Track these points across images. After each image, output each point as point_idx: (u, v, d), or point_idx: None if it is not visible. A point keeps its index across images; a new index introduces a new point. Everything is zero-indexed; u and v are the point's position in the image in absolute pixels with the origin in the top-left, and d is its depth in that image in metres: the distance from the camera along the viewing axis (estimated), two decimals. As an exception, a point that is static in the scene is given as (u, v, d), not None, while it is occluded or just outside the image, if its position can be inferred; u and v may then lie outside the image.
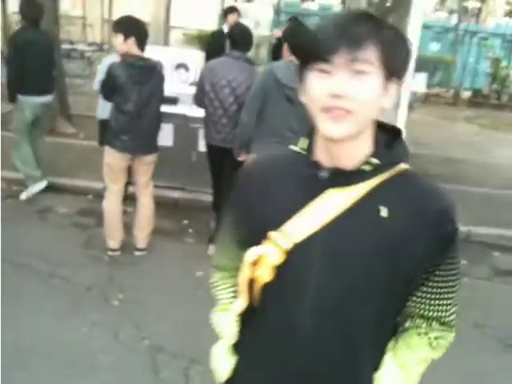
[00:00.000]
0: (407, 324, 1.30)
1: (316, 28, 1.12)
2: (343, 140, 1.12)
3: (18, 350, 3.11)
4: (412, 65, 11.65)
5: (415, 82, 14.77)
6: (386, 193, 1.16)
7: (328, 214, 1.15)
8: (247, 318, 1.31)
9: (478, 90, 15.40)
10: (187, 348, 3.24)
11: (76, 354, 3.13)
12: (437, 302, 1.24)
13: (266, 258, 1.18)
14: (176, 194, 5.70)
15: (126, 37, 3.88)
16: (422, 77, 14.15)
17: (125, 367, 3.08)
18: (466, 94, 15.35)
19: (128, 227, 4.43)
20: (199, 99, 4.41)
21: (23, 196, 5.36)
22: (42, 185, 5.47)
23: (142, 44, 3.92)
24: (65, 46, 11.65)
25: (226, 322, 1.37)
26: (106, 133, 4.18)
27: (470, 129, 11.48)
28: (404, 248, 1.15)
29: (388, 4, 7.43)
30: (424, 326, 1.28)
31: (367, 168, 1.17)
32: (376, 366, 1.25)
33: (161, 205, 5.43)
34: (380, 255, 1.14)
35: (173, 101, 5.72)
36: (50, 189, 5.58)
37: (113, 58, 4.49)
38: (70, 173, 5.89)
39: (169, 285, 3.99)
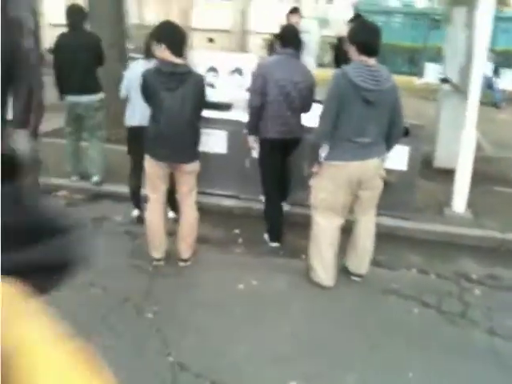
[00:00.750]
0: None
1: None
2: None
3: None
4: (490, 60, 10.80)
5: (503, 79, 13.82)
6: None
7: None
8: None
9: None
10: (211, 369, 3.08)
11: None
12: None
13: None
14: (230, 202, 5.59)
15: (159, 43, 3.82)
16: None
17: (145, 384, 2.98)
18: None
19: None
20: (256, 99, 4.45)
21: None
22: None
23: (176, 50, 3.83)
24: (134, 55, 11.89)
25: None
26: (145, 140, 4.14)
27: None
28: None
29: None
30: None
31: None
32: None
33: (214, 213, 5.39)
34: None
35: (227, 107, 5.64)
36: (110, 197, 5.67)
37: (140, 65, 4.46)
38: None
39: (207, 298, 3.87)
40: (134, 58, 10.63)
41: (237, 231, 5.07)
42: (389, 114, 3.82)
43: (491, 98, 12.83)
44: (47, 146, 7.29)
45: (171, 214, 4.90)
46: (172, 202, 4.62)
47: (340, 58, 5.99)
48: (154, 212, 4.21)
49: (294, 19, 7.15)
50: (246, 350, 3.29)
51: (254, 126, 4.57)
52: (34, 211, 0.96)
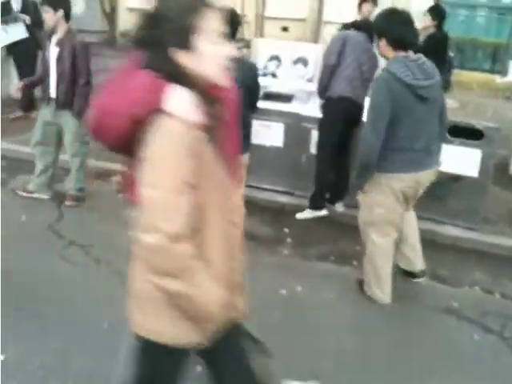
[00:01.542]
0: None
1: None
2: None
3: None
4: None
5: None
6: None
7: None
8: None
9: None
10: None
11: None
12: None
13: None
14: (283, 199, 5.31)
15: None
16: None
17: None
18: None
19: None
20: (332, 58, 4.64)
21: None
22: None
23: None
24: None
25: None
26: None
27: None
28: None
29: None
30: None
31: None
32: None
33: (265, 209, 5.15)
34: None
35: (287, 98, 5.35)
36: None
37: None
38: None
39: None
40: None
41: (286, 230, 4.80)
42: (440, 111, 3.44)
43: None
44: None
45: None
46: None
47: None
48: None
49: (366, 8, 6.71)
50: (283, 362, 3.03)
51: (325, 85, 4.70)
52: None
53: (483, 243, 4.66)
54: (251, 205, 5.15)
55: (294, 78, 5.44)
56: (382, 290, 3.68)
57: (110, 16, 16.69)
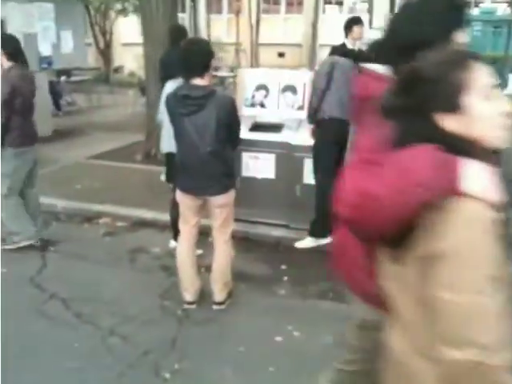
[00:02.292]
0: None
1: None
2: None
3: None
4: None
5: None
6: None
7: None
8: None
9: None
10: None
11: None
12: None
13: None
14: (278, 233, 5.05)
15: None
16: None
17: None
18: None
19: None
20: (322, 81, 4.56)
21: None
22: None
23: (189, 71, 3.37)
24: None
25: None
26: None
27: None
28: None
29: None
30: None
31: None
32: None
33: (260, 245, 4.90)
34: None
35: (277, 128, 5.13)
36: (153, 225, 5.30)
37: (169, 85, 4.04)
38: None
39: (236, 353, 3.34)
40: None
41: (283, 267, 4.52)
42: None
43: None
44: (94, 168, 7.13)
45: (198, 251, 4.41)
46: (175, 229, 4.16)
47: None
48: (183, 247, 3.77)
49: (357, 30, 6.53)
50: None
51: (315, 108, 4.61)
52: None
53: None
54: (245, 241, 4.95)
55: (283, 106, 5.22)
56: None
57: (105, 52, 16.74)
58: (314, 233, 4.79)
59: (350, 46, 6.54)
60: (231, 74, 12.82)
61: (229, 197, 3.62)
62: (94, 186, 6.37)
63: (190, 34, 22.13)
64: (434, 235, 1.24)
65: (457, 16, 1.78)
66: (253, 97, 5.28)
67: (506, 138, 1.34)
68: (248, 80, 5.29)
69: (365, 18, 18.19)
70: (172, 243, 4.62)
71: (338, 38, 6.72)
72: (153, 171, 6.42)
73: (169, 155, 4.23)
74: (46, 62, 8.90)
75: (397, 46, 1.78)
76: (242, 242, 4.90)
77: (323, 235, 4.69)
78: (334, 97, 4.51)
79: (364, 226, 1.37)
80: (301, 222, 5.00)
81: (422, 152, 1.27)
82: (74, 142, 8.65)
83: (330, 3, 22.00)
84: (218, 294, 3.79)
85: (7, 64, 4.49)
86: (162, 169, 4.96)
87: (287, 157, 4.94)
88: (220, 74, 12.98)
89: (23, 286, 4.15)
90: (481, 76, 1.31)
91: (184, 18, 22.73)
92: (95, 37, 16.21)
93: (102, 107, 11.96)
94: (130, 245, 4.92)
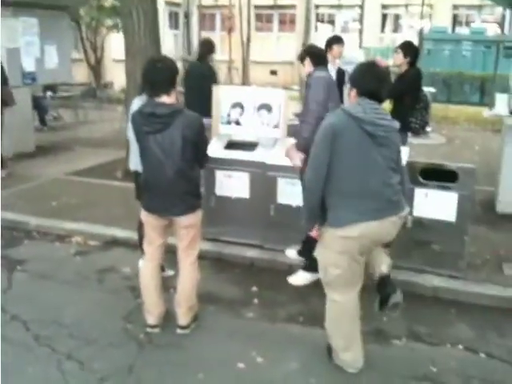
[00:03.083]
0: None
1: None
2: None
3: None
4: None
5: None
6: None
7: None
8: None
9: None
10: None
11: None
12: None
13: None
14: (252, 253, 4.95)
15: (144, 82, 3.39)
16: None
17: None
18: None
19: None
20: (321, 109, 4.06)
21: None
22: None
23: (155, 88, 3.32)
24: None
25: None
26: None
27: None
28: None
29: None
30: None
31: None
32: None
33: (234, 266, 4.82)
34: None
35: (250, 146, 5.07)
36: (125, 244, 5.20)
37: (135, 102, 3.97)
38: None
39: (195, 380, 3.23)
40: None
41: (254, 289, 4.42)
42: (396, 157, 3.17)
43: None
44: (73, 184, 7.04)
45: (170, 272, 4.33)
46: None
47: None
48: (147, 268, 3.69)
49: (338, 49, 6.53)
50: None
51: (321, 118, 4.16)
52: None
53: (466, 293, 4.28)
54: (218, 261, 4.88)
55: (258, 124, 5.16)
56: (353, 354, 3.29)
57: (95, 68, 16.73)
58: (309, 264, 4.42)
59: (329, 64, 6.54)
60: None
61: (195, 217, 3.53)
62: (70, 202, 6.28)
63: (183, 51, 22.25)
64: None
65: None
66: (228, 115, 5.22)
67: None
68: (224, 98, 5.24)
69: (356, 37, 18.38)
70: (141, 263, 4.51)
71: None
72: (131, 189, 6.28)
73: (136, 173, 4.16)
74: (30, 77, 8.84)
75: None
76: (214, 262, 4.83)
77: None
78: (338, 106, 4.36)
79: None
80: (275, 243, 4.92)
81: None
82: (57, 158, 8.56)
83: (323, 22, 22.17)
84: (182, 317, 3.68)
85: None
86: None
87: (261, 176, 4.88)
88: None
89: (-15, 306, 4.03)
90: None
91: (177, 35, 22.90)
92: (86, 52, 16.20)
93: (88, 123, 11.89)
94: (100, 264, 4.82)
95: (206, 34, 21.52)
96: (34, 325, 3.77)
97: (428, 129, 8.30)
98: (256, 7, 20.93)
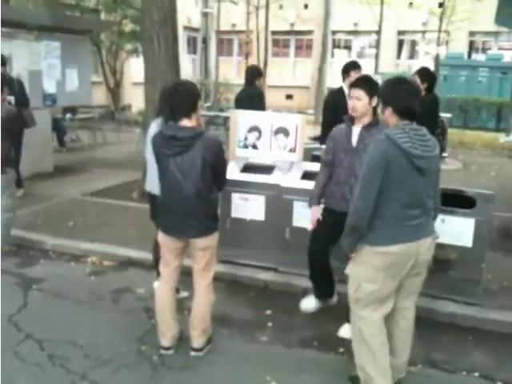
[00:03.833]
0: None
1: None
2: None
3: None
4: None
5: None
6: None
7: None
8: None
9: None
10: None
11: None
12: None
13: None
14: (266, 276, 4.94)
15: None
16: None
17: None
18: None
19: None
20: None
21: None
22: None
23: (175, 112, 3.37)
24: (208, 113, 11.83)
25: None
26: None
27: None
28: None
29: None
30: None
31: None
32: None
33: (248, 288, 4.81)
34: None
35: (267, 169, 5.10)
36: (140, 265, 5.22)
37: (154, 125, 4.03)
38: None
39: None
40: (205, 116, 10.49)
41: (268, 312, 4.40)
42: (436, 182, 3.17)
43: None
44: (89, 205, 7.10)
45: (184, 294, 4.33)
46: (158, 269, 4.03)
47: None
48: (162, 290, 3.69)
49: (354, 75, 6.55)
50: None
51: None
52: None
53: (483, 320, 4.22)
54: (232, 283, 4.87)
55: (275, 148, 5.19)
56: (387, 380, 3.20)
57: (114, 91, 17.00)
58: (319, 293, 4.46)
59: (347, 90, 6.57)
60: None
61: (212, 240, 3.54)
62: (86, 222, 6.33)
63: (200, 75, 22.54)
64: None
65: None
66: (245, 138, 5.26)
67: None
68: (241, 122, 5.28)
69: (372, 63, 18.50)
70: (156, 284, 4.52)
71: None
72: (146, 210, 6.34)
73: (150, 195, 4.20)
74: (50, 99, 9.01)
75: None
76: (228, 284, 4.82)
77: (329, 294, 4.46)
78: None
79: None
80: (290, 266, 4.91)
81: None
82: (74, 179, 8.66)
83: (339, 47, 22.39)
84: (196, 340, 3.67)
85: None
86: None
87: (277, 199, 4.89)
88: (224, 114, 13.06)
89: (1, 324, 4.05)
90: None
91: (195, 60, 23.25)
92: (105, 75, 16.48)
93: (106, 144, 12.05)
94: (115, 285, 4.84)
95: (223, 59, 21.87)
96: (48, 344, 3.78)
97: (444, 154, 8.28)
98: (273, 33, 21.25)
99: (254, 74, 7.11)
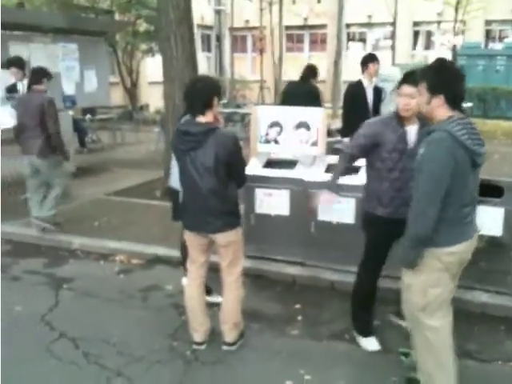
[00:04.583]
0: None
1: None
2: None
3: None
4: None
5: None
6: None
7: None
8: None
9: None
10: None
11: None
12: None
13: None
14: (293, 270, 4.95)
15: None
16: None
17: None
18: None
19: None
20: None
21: None
22: None
23: (192, 108, 3.38)
24: (225, 110, 11.85)
25: None
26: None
27: None
28: None
29: None
30: None
31: None
32: None
33: (276, 283, 4.81)
34: None
35: (290, 164, 5.09)
36: (168, 262, 5.26)
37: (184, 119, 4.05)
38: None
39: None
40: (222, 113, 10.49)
41: (297, 306, 4.40)
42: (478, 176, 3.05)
43: None
44: (113, 204, 7.16)
45: (219, 299, 4.26)
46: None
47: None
48: (191, 287, 3.71)
49: (373, 68, 6.52)
50: None
51: None
52: None
53: (516, 309, 4.18)
54: (260, 278, 4.88)
55: (297, 143, 5.18)
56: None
57: (131, 91, 17.09)
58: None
59: (365, 82, 6.55)
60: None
61: (233, 235, 3.53)
62: (111, 222, 6.39)
63: (215, 72, 22.55)
64: None
65: None
66: (267, 134, 5.26)
67: None
68: (262, 117, 5.28)
69: (387, 54, 18.33)
70: (184, 280, 4.54)
71: (357, 74, 6.75)
72: (169, 207, 6.39)
73: (171, 190, 4.23)
74: (70, 100, 9.09)
75: None
76: (255, 279, 4.83)
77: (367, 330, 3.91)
78: None
79: None
80: (316, 260, 4.90)
81: None
82: (96, 179, 8.73)
83: (354, 40, 22.24)
84: (228, 334, 3.69)
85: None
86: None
87: (301, 193, 4.88)
88: (241, 111, 13.09)
89: (34, 323, 4.12)
90: None
91: (210, 57, 23.28)
92: (122, 76, 16.56)
93: (126, 144, 12.12)
94: (144, 282, 4.88)
95: (238, 56, 21.87)
96: (82, 342, 3.82)
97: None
98: (287, 28, 21.16)
99: (312, 72, 7.34)
